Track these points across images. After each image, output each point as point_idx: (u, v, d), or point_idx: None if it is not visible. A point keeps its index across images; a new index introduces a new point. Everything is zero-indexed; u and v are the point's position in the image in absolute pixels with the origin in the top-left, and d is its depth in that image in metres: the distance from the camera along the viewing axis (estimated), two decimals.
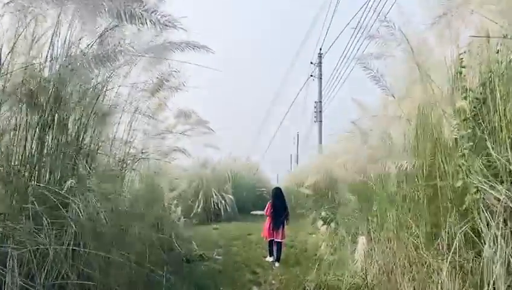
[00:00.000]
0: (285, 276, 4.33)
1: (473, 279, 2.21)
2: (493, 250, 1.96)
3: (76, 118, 2.99)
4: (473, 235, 2.23)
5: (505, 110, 2.28)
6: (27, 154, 2.60)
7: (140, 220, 3.60)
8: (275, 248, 5.11)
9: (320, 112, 14.69)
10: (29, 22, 2.47)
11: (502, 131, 2.27)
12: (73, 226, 2.35)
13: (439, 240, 2.55)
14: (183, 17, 2.48)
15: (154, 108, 4.22)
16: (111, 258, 2.65)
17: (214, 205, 9.99)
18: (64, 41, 2.73)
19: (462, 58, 2.80)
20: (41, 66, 2.67)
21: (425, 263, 2.60)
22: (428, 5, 2.70)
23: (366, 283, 3.34)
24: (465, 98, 2.61)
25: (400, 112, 3.26)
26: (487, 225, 2.09)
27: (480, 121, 2.48)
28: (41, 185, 2.52)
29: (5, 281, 2.00)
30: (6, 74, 2.41)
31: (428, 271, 2.57)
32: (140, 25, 2.23)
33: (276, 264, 4.97)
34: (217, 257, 5.43)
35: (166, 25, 2.23)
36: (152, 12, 2.19)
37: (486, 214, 2.10)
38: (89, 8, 2.24)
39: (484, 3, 2.34)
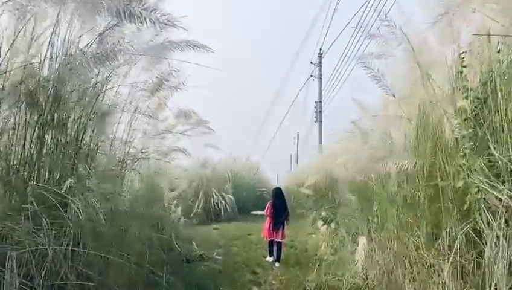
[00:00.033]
0: (285, 276, 4.32)
1: (474, 280, 2.20)
2: (495, 251, 1.95)
3: (76, 118, 2.98)
4: (474, 236, 2.22)
5: (506, 109, 2.27)
6: (26, 153, 2.59)
7: (140, 220, 3.59)
8: (275, 248, 5.10)
9: (320, 112, 14.68)
10: (28, 20, 2.45)
11: (503, 131, 2.26)
12: (73, 226, 2.34)
13: (440, 241, 2.54)
14: (183, 17, 2.48)
15: (154, 108, 4.21)
16: (110, 259, 2.63)
17: (214, 205, 9.98)
18: (64, 40, 2.71)
19: (463, 58, 2.79)
20: (41, 65, 2.66)
21: (426, 263, 2.59)
22: (428, 5, 2.68)
23: (367, 284, 3.33)
24: (466, 97, 2.60)
25: (400, 112, 3.25)
26: (488, 225, 2.08)
27: (481, 120, 2.47)
28: (41, 184, 2.51)
29: (3, 282, 1.98)
30: (5, 73, 2.40)
31: (429, 272, 2.56)
32: (139, 23, 2.22)
33: (277, 264, 4.96)
34: (217, 257, 5.42)
35: (166, 24, 2.22)
36: (151, 11, 2.18)
37: (487, 215, 2.09)
38: (88, 6, 2.22)
39: (486, 2, 2.33)
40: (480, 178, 2.18)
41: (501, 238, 1.95)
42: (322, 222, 7.13)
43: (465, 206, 2.33)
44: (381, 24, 2.96)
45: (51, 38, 2.64)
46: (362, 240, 3.37)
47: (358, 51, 9.36)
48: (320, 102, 14.68)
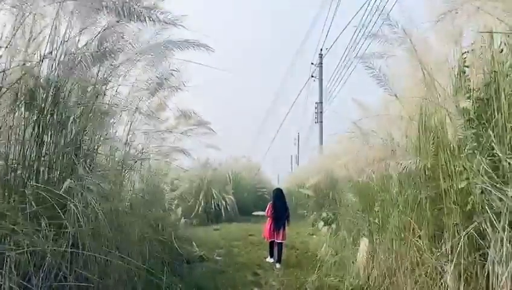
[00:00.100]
0: (286, 277, 4.30)
1: (477, 282, 2.18)
2: (499, 254, 1.92)
3: (76, 117, 2.96)
4: (478, 238, 2.19)
5: (509, 110, 2.25)
6: (25, 153, 2.57)
7: (140, 221, 3.57)
8: (275, 249, 5.08)
9: (321, 112, 14.64)
10: (26, 17, 2.43)
11: (506, 131, 2.23)
12: (72, 227, 2.32)
13: (442, 242, 2.52)
14: (183, 16, 2.46)
15: (155, 108, 4.19)
16: (110, 260, 2.61)
17: (215, 206, 9.96)
18: (63, 39, 2.69)
19: (465, 58, 2.77)
20: (40, 64, 2.64)
21: (429, 265, 2.56)
22: (431, 3, 2.66)
23: (369, 285, 3.31)
24: (469, 98, 2.58)
25: (402, 112, 3.22)
26: (492, 227, 2.05)
27: (484, 121, 2.45)
28: (40, 185, 2.49)
29: (1, 283, 1.96)
30: (4, 71, 2.38)
31: (431, 274, 2.53)
32: (139, 22, 2.20)
33: (277, 265, 4.93)
34: (217, 257, 5.40)
35: (166, 22, 2.20)
36: (151, 9, 2.17)
37: (491, 216, 2.06)
38: (88, 5, 2.21)
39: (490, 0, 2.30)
40: (484, 179, 2.16)
41: (505, 240, 1.92)
42: (322, 223, 7.11)
43: (468, 207, 2.31)
44: (383, 23, 2.94)
45: (49, 36, 2.62)
46: (364, 242, 3.35)
47: (359, 51, 9.33)
48: (321, 102, 14.65)
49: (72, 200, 2.41)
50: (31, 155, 2.60)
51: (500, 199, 2.03)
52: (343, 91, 12.74)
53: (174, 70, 3.75)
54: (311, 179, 8.48)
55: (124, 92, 3.58)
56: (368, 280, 3.36)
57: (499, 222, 1.99)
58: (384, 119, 3.67)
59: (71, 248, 2.33)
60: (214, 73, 3.23)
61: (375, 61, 3.14)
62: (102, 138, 3.29)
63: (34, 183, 2.48)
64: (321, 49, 14.43)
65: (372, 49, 3.34)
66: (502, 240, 1.94)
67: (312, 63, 15.04)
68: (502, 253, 1.92)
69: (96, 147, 3.23)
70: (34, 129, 2.62)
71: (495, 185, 2.09)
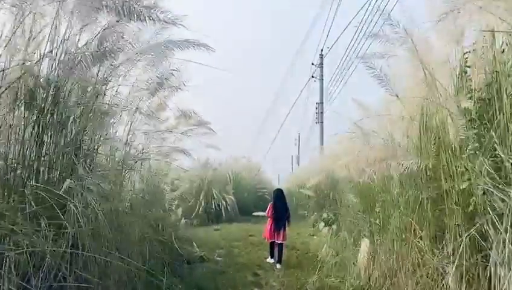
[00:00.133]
0: (286, 278, 4.28)
1: (479, 284, 2.16)
2: (501, 255, 1.90)
3: (76, 117, 2.95)
4: (480, 239, 2.18)
5: (511, 109, 2.23)
6: (25, 153, 2.56)
7: (140, 221, 3.56)
8: (276, 250, 5.07)
9: (322, 112, 14.62)
10: (26, 16, 2.42)
11: (508, 131, 2.22)
12: (72, 227, 2.31)
13: (444, 243, 2.50)
14: (183, 15, 2.45)
15: (155, 108, 4.18)
16: (110, 261, 2.60)
17: (215, 206, 9.95)
18: (63, 38, 2.69)
19: (467, 58, 2.75)
20: (39, 64, 2.63)
21: (430, 266, 2.55)
22: (432, 4, 2.65)
23: (369, 286, 3.29)
24: (470, 98, 2.56)
25: (403, 112, 3.21)
26: (494, 228, 2.04)
27: (486, 121, 2.43)
28: (40, 185, 2.48)
29: (0, 283, 1.95)
30: (3, 71, 2.37)
31: (433, 275, 2.51)
32: (139, 21, 2.19)
33: (278, 266, 4.92)
34: (218, 258, 5.39)
35: (166, 22, 2.19)
36: (151, 8, 2.16)
37: (493, 217, 2.05)
38: (88, 4, 2.20)
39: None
40: (486, 179, 2.14)
41: (507, 241, 1.91)
42: (323, 224, 7.10)
43: (470, 208, 2.30)
44: (384, 23, 2.93)
45: (49, 36, 2.62)
46: (365, 242, 3.33)
47: (360, 51, 9.32)
48: (322, 103, 14.63)
49: (72, 201, 2.40)
50: (30, 155, 2.59)
51: (503, 200, 2.02)
52: (343, 91, 12.72)
53: (174, 70, 3.75)
54: (312, 179, 8.45)
55: (124, 92, 3.58)
56: (369, 280, 3.34)
57: (501, 223, 1.97)
58: (385, 120, 3.66)
59: (71, 249, 2.32)
60: (214, 73, 3.22)
61: (376, 61, 3.13)
62: (102, 138, 3.28)
63: (33, 183, 2.47)
64: (322, 49, 14.42)
65: (373, 49, 3.33)
66: (504, 242, 1.92)
67: (312, 63, 15.02)
68: (504, 255, 1.90)
69: (96, 147, 3.22)
70: (33, 129, 2.61)
71: (497, 186, 2.07)
